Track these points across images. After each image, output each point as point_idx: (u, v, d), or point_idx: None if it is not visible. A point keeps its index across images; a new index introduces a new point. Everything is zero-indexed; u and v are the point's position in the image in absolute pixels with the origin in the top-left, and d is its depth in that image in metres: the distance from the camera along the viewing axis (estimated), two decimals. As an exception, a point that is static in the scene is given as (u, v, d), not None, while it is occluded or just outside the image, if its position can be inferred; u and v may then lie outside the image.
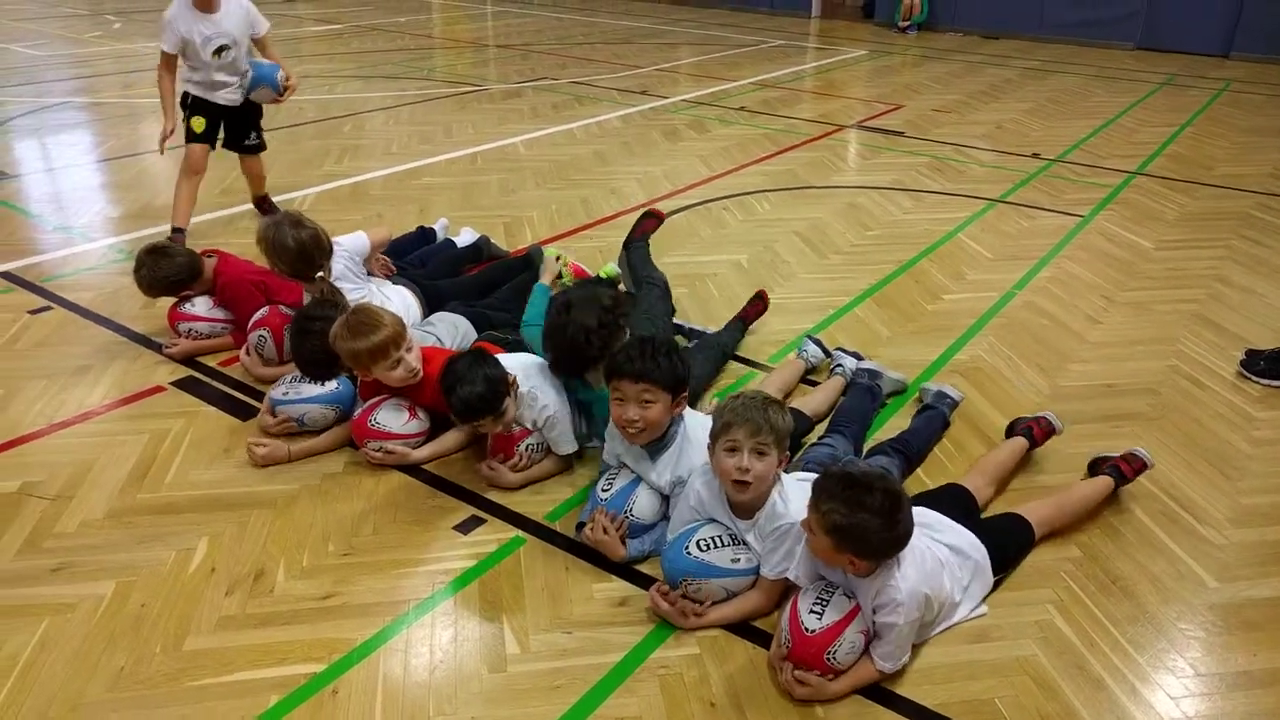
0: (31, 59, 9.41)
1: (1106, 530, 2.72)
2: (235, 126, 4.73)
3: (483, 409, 2.69)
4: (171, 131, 4.44)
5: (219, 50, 4.24)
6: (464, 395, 2.66)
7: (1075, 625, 2.36)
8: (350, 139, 6.78)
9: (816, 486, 2.10)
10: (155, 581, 2.45)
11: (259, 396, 3.28)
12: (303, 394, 3.07)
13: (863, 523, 2.00)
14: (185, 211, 4.60)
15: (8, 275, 4.32)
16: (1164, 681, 2.21)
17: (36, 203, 5.36)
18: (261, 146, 4.84)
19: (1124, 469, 2.84)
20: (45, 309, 4.00)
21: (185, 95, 4.57)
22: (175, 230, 4.58)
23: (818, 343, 3.60)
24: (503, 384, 2.72)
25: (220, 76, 4.46)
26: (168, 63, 4.32)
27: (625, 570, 2.53)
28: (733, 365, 3.65)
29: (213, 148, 4.67)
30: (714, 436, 2.33)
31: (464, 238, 4.49)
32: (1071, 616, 2.39)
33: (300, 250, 3.32)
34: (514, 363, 2.89)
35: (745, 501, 2.35)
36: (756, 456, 2.26)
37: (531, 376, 2.89)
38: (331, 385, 3.10)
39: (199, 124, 4.49)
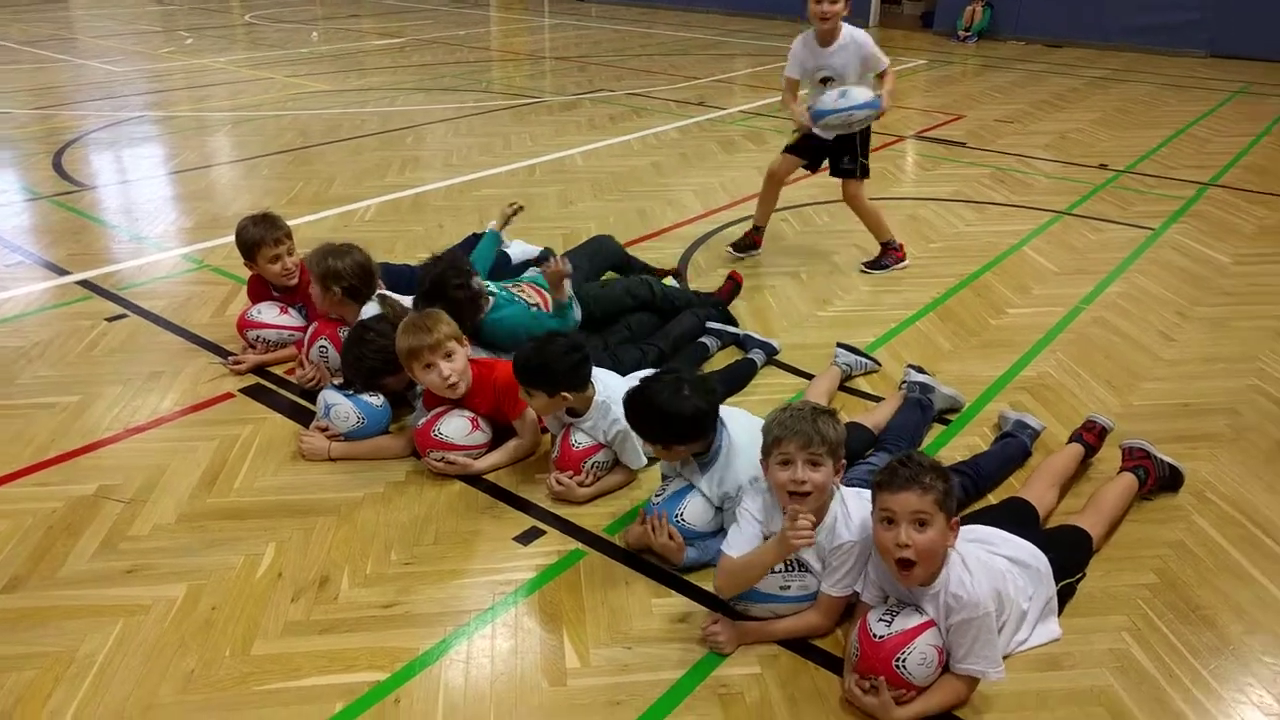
0: (109, 74, 9.75)
1: (1184, 555, 2.63)
2: (834, 154, 4.81)
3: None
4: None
5: (824, 80, 4.59)
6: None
7: (1153, 655, 2.28)
8: (411, 150, 6.89)
9: (873, 487, 2.14)
10: (224, 585, 2.50)
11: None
12: (343, 391, 3.16)
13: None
14: (763, 211, 4.90)
15: (85, 283, 4.47)
16: (1249, 718, 2.12)
17: (112, 213, 5.54)
18: (852, 172, 4.73)
19: (1087, 438, 3.00)
20: (120, 316, 4.13)
21: None
22: (755, 227, 4.89)
23: (850, 349, 3.61)
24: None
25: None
26: (791, 86, 4.69)
27: (685, 585, 2.52)
28: (789, 379, 3.62)
29: (808, 169, 4.85)
30: (765, 451, 2.31)
31: (514, 250, 4.51)
32: (1149, 645, 2.31)
33: (357, 270, 3.42)
34: (600, 374, 2.95)
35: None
36: (811, 467, 2.24)
37: (610, 388, 2.91)
38: (375, 401, 3.15)
39: (794, 137, 4.81)
